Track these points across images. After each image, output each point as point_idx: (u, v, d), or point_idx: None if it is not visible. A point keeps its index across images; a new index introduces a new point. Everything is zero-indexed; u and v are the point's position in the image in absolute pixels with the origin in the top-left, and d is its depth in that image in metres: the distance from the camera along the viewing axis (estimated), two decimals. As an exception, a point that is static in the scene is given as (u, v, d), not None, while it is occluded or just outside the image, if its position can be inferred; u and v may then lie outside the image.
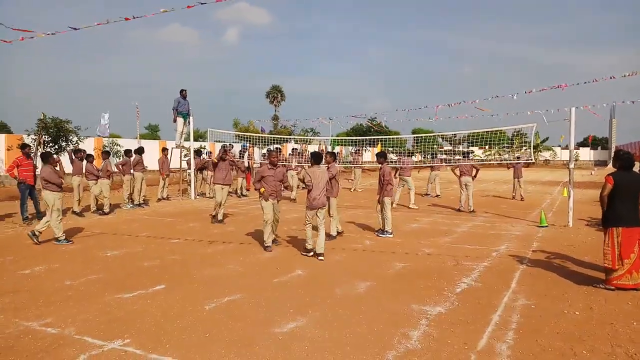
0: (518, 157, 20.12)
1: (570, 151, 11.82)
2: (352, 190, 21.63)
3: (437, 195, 19.30)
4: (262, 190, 8.78)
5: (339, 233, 10.12)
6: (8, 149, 19.53)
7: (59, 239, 9.39)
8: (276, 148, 21.67)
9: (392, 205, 11.11)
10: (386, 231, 10.16)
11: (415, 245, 9.25)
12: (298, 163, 19.82)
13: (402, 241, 9.71)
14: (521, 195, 17.76)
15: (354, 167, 28.47)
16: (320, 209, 8.24)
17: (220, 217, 12.09)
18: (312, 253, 8.17)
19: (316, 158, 8.62)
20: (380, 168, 10.30)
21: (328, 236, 9.20)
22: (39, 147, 15.80)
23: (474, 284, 6.62)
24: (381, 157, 10.41)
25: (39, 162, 13.77)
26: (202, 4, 9.13)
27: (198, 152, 18.61)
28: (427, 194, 19.44)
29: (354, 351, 4.39)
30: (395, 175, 14.54)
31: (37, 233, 9.33)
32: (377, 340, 4.64)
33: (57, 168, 9.91)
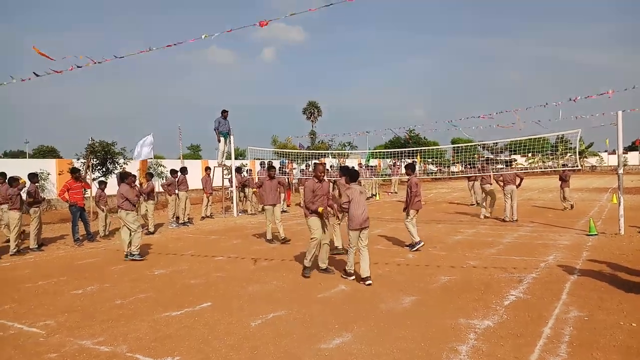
0: (563, 165, 19.51)
1: (618, 156, 11.42)
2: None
3: (472, 204, 19.57)
4: (321, 209, 8.10)
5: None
6: (59, 174, 20.35)
7: (134, 254, 9.84)
8: (314, 163, 21.83)
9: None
10: (416, 243, 10.00)
11: (460, 258, 9.09)
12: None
13: (446, 254, 9.57)
14: (564, 205, 17.08)
15: (392, 178, 28.30)
16: (364, 229, 7.52)
17: (281, 235, 11.65)
18: (352, 277, 7.63)
19: (352, 176, 7.90)
20: (408, 180, 10.20)
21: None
22: (87, 171, 16.39)
23: (522, 296, 6.45)
24: (409, 168, 10.32)
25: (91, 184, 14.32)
26: (242, 27, 9.32)
27: (239, 170, 18.89)
28: (472, 205, 19.64)
29: (401, 367, 4.34)
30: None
31: (134, 252, 9.89)
32: (425, 356, 4.58)
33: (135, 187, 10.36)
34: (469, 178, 20.25)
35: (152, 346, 5.06)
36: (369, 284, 7.22)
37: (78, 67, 12.36)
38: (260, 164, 20.03)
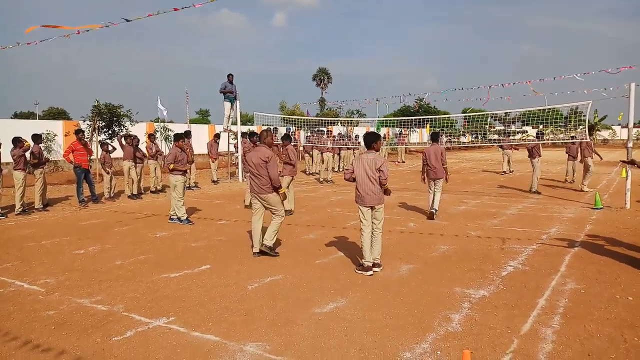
0: (573, 137, 19.23)
1: (629, 129, 11.21)
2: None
3: (504, 172, 21.01)
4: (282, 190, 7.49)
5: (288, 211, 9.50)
6: (66, 135, 20.37)
7: (181, 218, 9.79)
8: (319, 130, 21.68)
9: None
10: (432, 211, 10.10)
11: (462, 228, 9.07)
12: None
13: (448, 224, 9.54)
14: (572, 178, 16.82)
15: (399, 147, 28.10)
16: (374, 207, 6.34)
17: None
18: (370, 272, 6.19)
19: (365, 141, 6.58)
20: (433, 149, 10.08)
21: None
22: (93, 133, 16.40)
23: (521, 268, 6.43)
24: (434, 137, 10.37)
25: (94, 147, 14.36)
26: None
27: (252, 134, 18.78)
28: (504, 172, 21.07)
29: (392, 332, 4.36)
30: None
31: (174, 217, 9.84)
32: (417, 323, 4.60)
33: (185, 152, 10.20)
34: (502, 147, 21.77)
35: (149, 306, 5.12)
36: (377, 271, 6.27)
37: (86, 30, 12.21)
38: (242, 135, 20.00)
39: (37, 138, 11.86)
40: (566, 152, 16.82)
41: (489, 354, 3.94)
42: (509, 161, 21.51)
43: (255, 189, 7.19)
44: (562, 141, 17.23)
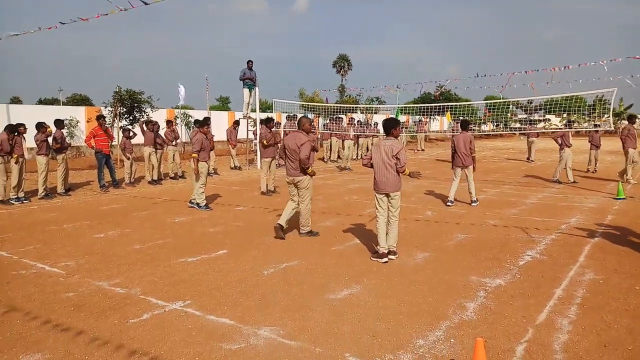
0: (596, 125, 18.78)
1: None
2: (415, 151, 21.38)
3: (530, 160, 21.14)
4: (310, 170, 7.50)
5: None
6: (88, 121, 20.65)
7: (200, 204, 9.87)
8: (337, 117, 21.58)
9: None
10: (449, 200, 10.20)
11: (480, 217, 8.99)
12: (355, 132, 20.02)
13: (466, 212, 9.47)
14: (595, 168, 16.42)
15: (418, 135, 27.90)
16: (390, 194, 6.30)
17: (270, 186, 12.06)
18: (385, 259, 6.17)
19: (384, 127, 6.45)
20: (463, 137, 10.08)
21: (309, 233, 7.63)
22: (115, 119, 16.60)
23: (539, 257, 6.36)
24: (466, 124, 10.36)
25: (116, 133, 14.54)
26: None
27: (268, 120, 18.88)
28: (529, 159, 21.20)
29: (406, 320, 4.36)
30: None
31: (193, 201, 9.98)
32: (431, 310, 4.58)
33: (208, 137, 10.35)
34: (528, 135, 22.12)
35: (165, 290, 5.20)
36: (392, 259, 6.25)
37: (104, 14, 12.32)
38: (287, 117, 19.94)
39: (59, 123, 12.04)
40: (589, 141, 16.47)
41: (503, 342, 3.91)
42: (530, 150, 21.30)
43: (290, 171, 7.53)
44: (586, 129, 16.77)
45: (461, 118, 18.17)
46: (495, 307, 4.68)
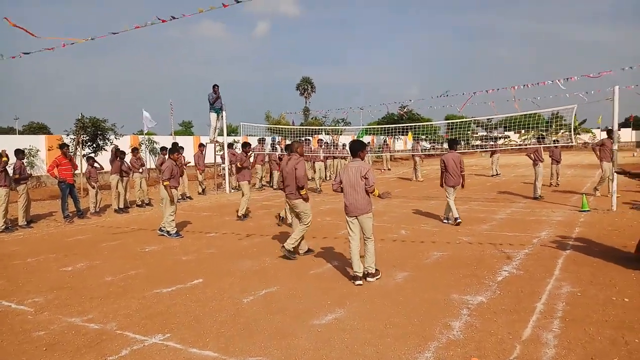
0: (555, 141, 19.37)
1: (614, 132, 11.35)
2: (413, 180, 21.40)
3: (496, 174, 22.04)
4: (303, 192, 7.56)
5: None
6: (49, 149, 20.06)
7: (170, 232, 9.62)
8: (306, 139, 21.64)
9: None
10: (455, 218, 10.12)
11: (453, 234, 9.07)
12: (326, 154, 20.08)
13: (438, 230, 9.55)
14: (557, 182, 16.96)
15: (383, 155, 28.21)
16: (359, 216, 6.23)
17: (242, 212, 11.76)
18: (359, 282, 6.09)
19: (351, 150, 6.49)
20: (450, 156, 10.18)
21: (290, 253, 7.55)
22: (77, 147, 16.17)
23: (515, 272, 6.43)
24: (452, 144, 10.56)
25: (79, 161, 14.14)
26: (238, 2, 8.88)
27: (245, 145, 18.69)
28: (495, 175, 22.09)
29: (394, 342, 4.31)
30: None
31: (163, 229, 9.75)
32: (418, 331, 4.55)
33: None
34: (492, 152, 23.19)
35: (143, 323, 5.00)
36: (370, 280, 6.17)
37: (71, 43, 12.01)
38: (258, 140, 19.87)
39: (19, 153, 11.63)
40: (550, 156, 16.95)
41: (493, 361, 3.90)
42: (497, 163, 22.41)
43: (289, 195, 7.67)
44: (556, 145, 17.19)
45: (449, 137, 18.53)
46: (480, 324, 4.69)
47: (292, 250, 7.53)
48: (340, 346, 4.28)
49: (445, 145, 45.19)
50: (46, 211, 13.77)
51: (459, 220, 9.95)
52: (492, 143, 29.70)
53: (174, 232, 9.60)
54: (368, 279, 6.19)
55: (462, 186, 10.26)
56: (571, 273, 6.29)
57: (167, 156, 10.35)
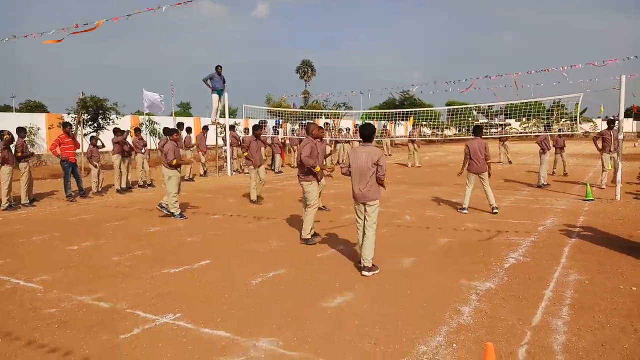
0: (560, 129, 19.28)
1: (619, 122, 11.32)
2: (409, 166, 21.28)
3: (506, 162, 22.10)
4: (317, 168, 7.55)
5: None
6: (49, 128, 19.94)
7: (174, 213, 9.62)
8: (308, 123, 21.59)
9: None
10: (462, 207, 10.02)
11: (459, 221, 9.08)
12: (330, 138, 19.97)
13: (444, 216, 9.56)
14: (565, 171, 16.76)
15: (384, 140, 28.14)
16: (366, 203, 6.00)
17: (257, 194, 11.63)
18: (370, 271, 5.88)
19: (363, 135, 6.18)
20: (477, 142, 9.92)
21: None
22: (78, 126, 16.08)
23: (522, 259, 6.45)
24: (479, 130, 10.26)
25: (79, 140, 14.07)
26: None
27: (256, 127, 18.59)
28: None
29: (405, 326, 4.32)
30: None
31: (164, 205, 9.76)
32: (428, 315, 4.57)
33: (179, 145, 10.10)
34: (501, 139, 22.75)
35: (153, 303, 5.01)
36: (365, 275, 5.83)
37: (85, 26, 11.84)
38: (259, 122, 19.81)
39: (21, 131, 11.56)
40: (553, 145, 16.82)
41: (504, 346, 3.92)
42: (507, 152, 22.58)
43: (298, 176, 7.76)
44: (564, 133, 17.01)
45: (476, 123, 18.45)
46: (489, 310, 4.70)
47: (309, 237, 7.48)
48: (351, 329, 4.29)
49: (447, 132, 45.17)
50: (48, 190, 13.73)
51: (465, 211, 9.86)
52: (498, 130, 29.65)
53: (178, 213, 9.59)
54: (363, 272, 5.83)
55: (489, 174, 9.95)
56: (578, 261, 6.31)
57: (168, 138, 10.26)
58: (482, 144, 9.87)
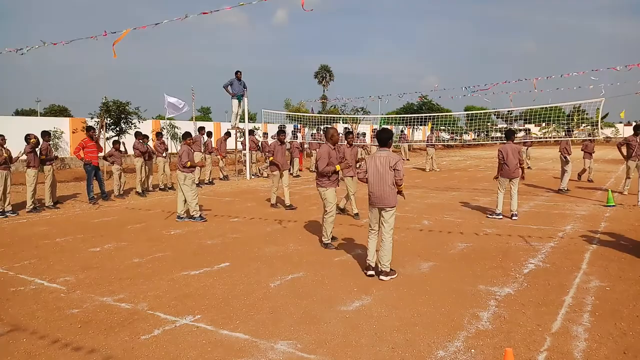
0: (589, 135, 18.36)
1: (642, 127, 11.14)
2: (427, 170, 21.28)
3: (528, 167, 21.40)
4: (338, 167, 7.66)
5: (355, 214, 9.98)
6: (73, 132, 20.31)
7: (195, 216, 9.74)
8: (326, 127, 21.65)
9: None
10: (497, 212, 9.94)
11: (477, 225, 9.03)
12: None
13: (462, 221, 9.50)
14: (590, 177, 16.12)
15: (402, 145, 28.08)
16: (384, 209, 6.00)
17: (287, 201, 11.34)
18: (372, 272, 6.00)
19: (379, 139, 6.24)
20: (508, 147, 9.76)
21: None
22: (101, 130, 16.35)
23: (541, 265, 6.39)
24: (511, 134, 10.12)
25: (103, 144, 14.32)
26: None
27: (280, 132, 18.69)
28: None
29: (423, 331, 4.32)
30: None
31: (182, 215, 9.86)
32: (446, 321, 4.56)
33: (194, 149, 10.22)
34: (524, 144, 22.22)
35: (173, 304, 5.08)
36: (383, 279, 5.82)
37: (112, 33, 12.04)
38: (279, 127, 19.97)
39: (45, 135, 11.82)
40: (582, 150, 16.39)
41: (524, 352, 3.90)
42: (528, 157, 22.09)
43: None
44: (585, 138, 16.55)
45: (509, 127, 18.34)
46: (508, 316, 4.68)
47: (329, 242, 7.49)
48: (369, 332, 4.31)
49: (466, 137, 44.86)
50: (71, 192, 13.99)
51: (499, 217, 9.72)
52: (521, 135, 29.29)
53: (198, 215, 9.70)
54: (381, 277, 5.85)
55: (523, 177, 9.84)
56: (599, 267, 6.23)
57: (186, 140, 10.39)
58: (516, 149, 9.76)
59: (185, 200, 9.78)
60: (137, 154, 13.76)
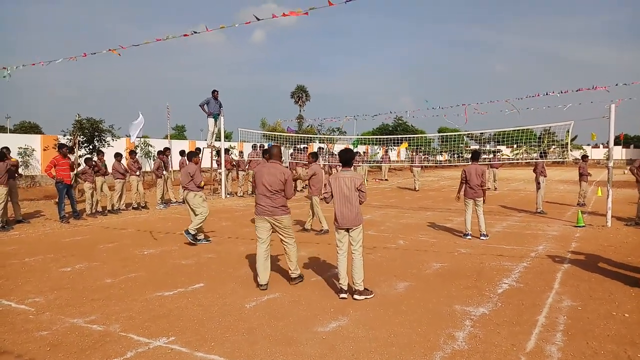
0: (584, 156, 17.78)
1: (610, 149, 11.50)
2: (416, 189, 21.88)
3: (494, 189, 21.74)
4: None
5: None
6: (44, 149, 19.91)
7: (199, 238, 9.35)
8: (303, 147, 21.74)
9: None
10: (465, 233, 10.01)
11: (452, 245, 9.12)
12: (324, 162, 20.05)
13: (436, 241, 9.60)
14: (583, 201, 15.89)
15: (383, 166, 28.31)
16: (351, 228, 5.97)
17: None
18: (345, 295, 5.90)
19: (342, 159, 6.21)
20: (475, 168, 9.89)
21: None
22: (74, 147, 16.09)
23: (515, 285, 6.48)
24: (477, 155, 10.26)
25: (76, 161, 14.08)
26: (258, 19, 8.91)
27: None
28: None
29: (400, 352, 4.33)
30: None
31: (191, 232, 9.15)
32: (422, 341, 4.58)
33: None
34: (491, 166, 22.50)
35: (146, 326, 4.99)
36: (357, 299, 5.82)
37: (92, 53, 11.94)
38: (252, 146, 19.92)
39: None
40: (580, 172, 16.19)
41: (499, 372, 3.93)
42: (494, 179, 22.15)
43: (267, 210, 6.43)
44: (555, 159, 16.85)
45: (474, 148, 18.56)
46: (483, 335, 4.72)
47: (299, 274, 6.70)
48: (346, 354, 4.29)
49: (439, 157, 45.44)
50: (40, 211, 13.67)
51: (468, 237, 9.80)
52: (490, 156, 29.72)
53: (202, 237, 9.49)
54: (355, 296, 5.82)
55: (484, 200, 9.95)
56: (571, 287, 6.35)
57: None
58: (479, 170, 9.88)
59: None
60: (117, 176, 13.64)
